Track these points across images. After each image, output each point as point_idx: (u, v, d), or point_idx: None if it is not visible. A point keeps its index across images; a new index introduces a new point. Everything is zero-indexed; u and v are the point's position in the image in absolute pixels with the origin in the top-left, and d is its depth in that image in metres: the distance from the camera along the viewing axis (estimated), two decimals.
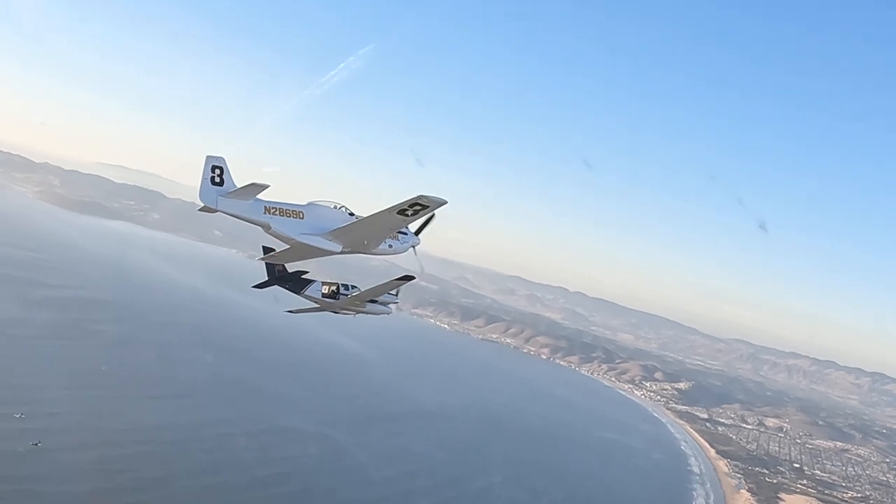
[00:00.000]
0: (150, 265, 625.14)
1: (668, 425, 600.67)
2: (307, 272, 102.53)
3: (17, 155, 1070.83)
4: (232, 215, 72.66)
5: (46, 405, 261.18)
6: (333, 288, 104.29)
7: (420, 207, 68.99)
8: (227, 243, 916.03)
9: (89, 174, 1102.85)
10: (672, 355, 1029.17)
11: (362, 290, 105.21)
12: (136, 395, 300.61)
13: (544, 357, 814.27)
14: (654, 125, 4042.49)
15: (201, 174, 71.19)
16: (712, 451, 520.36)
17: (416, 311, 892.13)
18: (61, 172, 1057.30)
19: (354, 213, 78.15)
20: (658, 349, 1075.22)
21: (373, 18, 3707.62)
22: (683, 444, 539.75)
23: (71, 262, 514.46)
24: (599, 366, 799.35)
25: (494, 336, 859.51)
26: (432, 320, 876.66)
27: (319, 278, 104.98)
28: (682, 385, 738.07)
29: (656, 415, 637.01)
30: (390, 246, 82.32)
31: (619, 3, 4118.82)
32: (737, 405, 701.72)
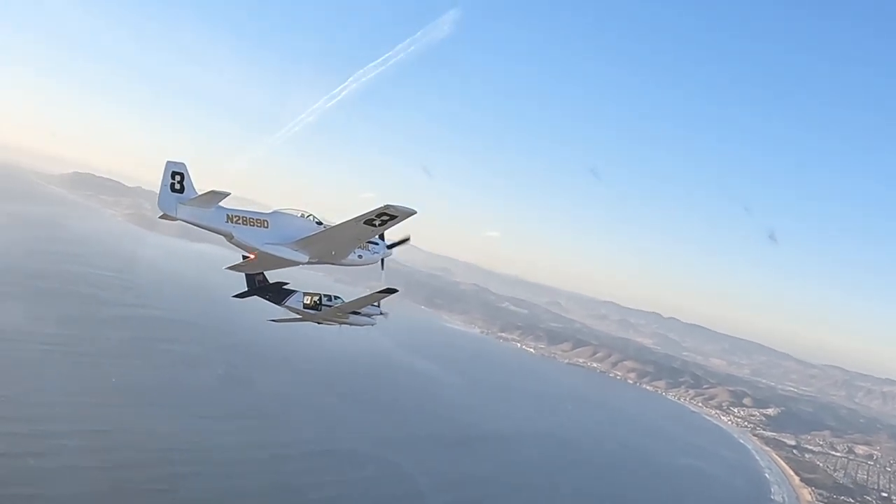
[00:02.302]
0: (228, 286, 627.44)
1: (753, 452, 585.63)
2: (287, 283, 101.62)
3: (110, 179, 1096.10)
4: (192, 224, 71.94)
5: (98, 422, 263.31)
6: (315, 299, 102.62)
7: (388, 217, 67.82)
8: (314, 266, 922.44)
9: None
10: (763, 381, 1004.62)
11: (345, 301, 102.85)
12: (193, 415, 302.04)
13: (630, 382, 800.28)
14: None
15: (160, 181, 69.84)
16: (797, 480, 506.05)
17: (502, 334, 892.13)
18: (152, 196, 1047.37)
19: (322, 221, 76.71)
20: (750, 374, 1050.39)
21: (378, 30, 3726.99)
22: (767, 471, 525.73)
23: (149, 283, 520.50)
24: (686, 391, 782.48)
25: (581, 360, 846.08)
26: (518, 344, 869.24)
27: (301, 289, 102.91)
28: (770, 411, 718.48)
29: (741, 441, 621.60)
30: (360, 256, 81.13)
31: (630, 15, 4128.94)
32: (826, 432, 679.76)
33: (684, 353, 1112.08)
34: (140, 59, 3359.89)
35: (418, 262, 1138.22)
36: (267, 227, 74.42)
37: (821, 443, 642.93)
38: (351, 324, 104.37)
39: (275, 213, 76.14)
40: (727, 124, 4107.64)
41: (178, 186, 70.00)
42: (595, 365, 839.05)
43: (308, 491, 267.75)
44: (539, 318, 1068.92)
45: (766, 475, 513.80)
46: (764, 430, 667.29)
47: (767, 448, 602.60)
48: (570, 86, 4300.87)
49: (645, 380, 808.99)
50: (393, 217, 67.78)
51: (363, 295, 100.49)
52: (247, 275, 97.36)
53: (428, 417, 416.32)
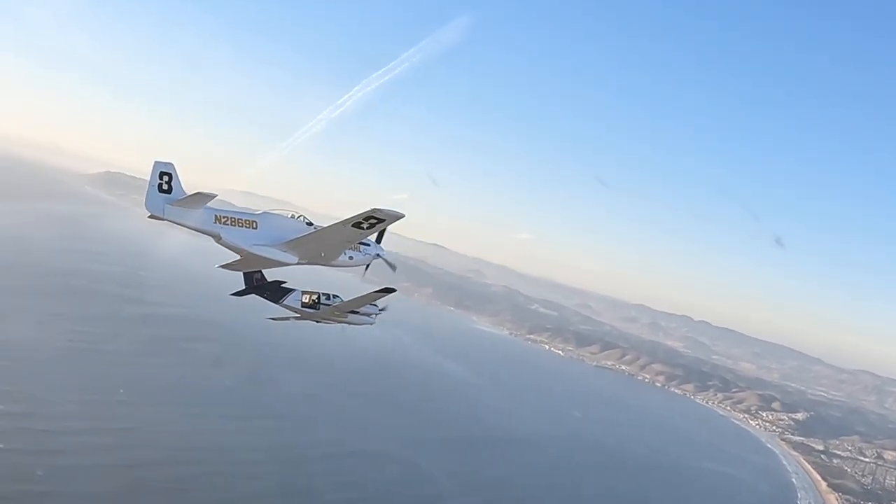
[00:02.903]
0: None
1: (781, 457, 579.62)
2: (285, 282, 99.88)
3: (141, 178, 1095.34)
4: (180, 224, 72.32)
5: (117, 420, 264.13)
6: (314, 297, 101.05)
7: (376, 220, 67.97)
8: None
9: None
10: (793, 385, 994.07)
11: (344, 300, 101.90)
12: (212, 415, 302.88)
13: (659, 385, 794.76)
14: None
15: (148, 181, 69.52)
16: (824, 485, 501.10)
17: (530, 336, 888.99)
18: None
19: (313, 223, 76.59)
20: (779, 379, 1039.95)
21: (387, 35, 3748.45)
22: (794, 476, 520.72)
23: (176, 282, 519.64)
24: (715, 394, 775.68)
25: (609, 363, 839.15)
26: (546, 346, 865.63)
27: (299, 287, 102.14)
28: (799, 416, 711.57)
29: (769, 445, 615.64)
30: (351, 258, 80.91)
31: (637, 19, 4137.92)
32: (856, 437, 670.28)
33: (714, 357, 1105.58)
34: (159, 61, 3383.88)
35: (450, 265, 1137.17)
36: (255, 229, 74.42)
37: (849, 448, 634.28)
38: (350, 323, 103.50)
39: (264, 213, 76.13)
40: (727, 124, 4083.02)
41: (165, 187, 70.25)
42: (624, 367, 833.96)
43: (328, 492, 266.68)
44: (568, 320, 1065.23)
45: (793, 480, 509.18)
46: (792, 434, 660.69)
47: (795, 453, 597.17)
48: (578, 86, 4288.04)
49: (673, 383, 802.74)
50: (381, 220, 67.89)
51: (362, 294, 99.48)
52: (245, 273, 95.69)
53: (452, 418, 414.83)
